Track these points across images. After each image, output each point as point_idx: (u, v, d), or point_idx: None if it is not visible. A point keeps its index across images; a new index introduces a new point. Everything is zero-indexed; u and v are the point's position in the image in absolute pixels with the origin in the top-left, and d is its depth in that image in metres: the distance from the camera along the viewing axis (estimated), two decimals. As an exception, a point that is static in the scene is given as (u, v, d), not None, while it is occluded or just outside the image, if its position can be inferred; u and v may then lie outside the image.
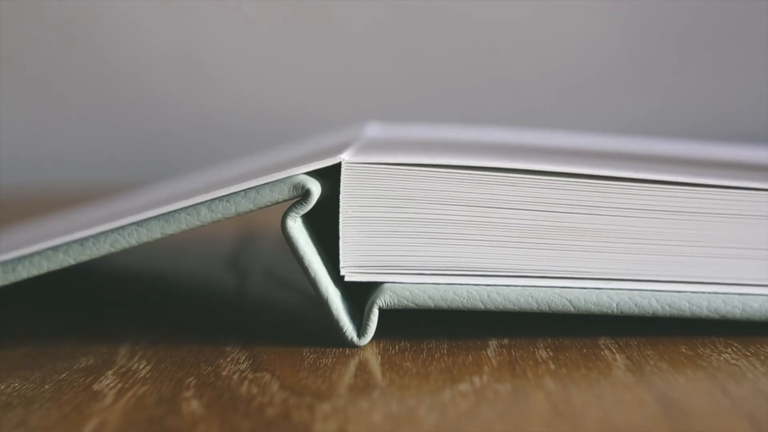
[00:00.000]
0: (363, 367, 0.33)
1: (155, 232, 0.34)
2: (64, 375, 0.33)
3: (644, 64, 0.95)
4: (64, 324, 0.41)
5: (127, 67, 0.96)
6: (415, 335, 0.36)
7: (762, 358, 0.33)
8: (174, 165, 0.91)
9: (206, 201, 0.34)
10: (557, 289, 0.34)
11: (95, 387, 0.32)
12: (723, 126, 0.93)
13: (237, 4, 0.96)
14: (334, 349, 0.35)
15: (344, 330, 0.34)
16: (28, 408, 0.30)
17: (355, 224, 0.34)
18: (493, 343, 0.35)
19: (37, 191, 0.86)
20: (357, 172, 0.34)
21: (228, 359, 0.34)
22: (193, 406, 0.30)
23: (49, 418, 0.30)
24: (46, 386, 0.32)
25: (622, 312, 0.34)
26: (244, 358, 0.34)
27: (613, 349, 0.34)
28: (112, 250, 0.34)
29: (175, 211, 0.34)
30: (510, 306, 0.34)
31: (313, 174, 0.34)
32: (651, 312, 0.34)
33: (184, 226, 0.34)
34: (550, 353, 0.34)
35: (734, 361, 0.33)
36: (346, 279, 0.35)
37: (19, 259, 0.35)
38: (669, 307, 0.34)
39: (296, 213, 0.34)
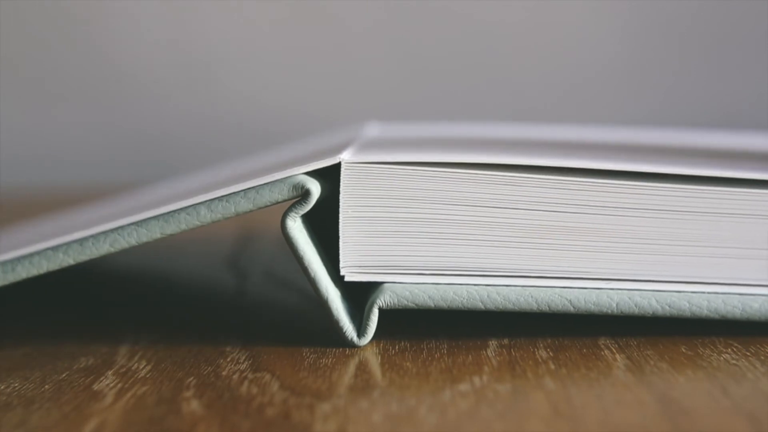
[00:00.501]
0: (363, 367, 0.33)
1: (155, 232, 0.34)
2: (64, 375, 0.33)
3: (644, 63, 0.95)
4: (64, 324, 0.41)
5: (127, 66, 0.96)
6: (415, 335, 0.36)
7: (762, 358, 0.33)
8: (174, 165, 0.91)
9: (206, 201, 0.34)
10: (557, 289, 0.34)
11: (95, 387, 0.32)
12: (723, 126, 0.93)
13: (237, 4, 0.96)
14: (334, 349, 0.35)
15: (344, 330, 0.34)
16: (28, 408, 0.30)
17: (355, 224, 0.34)
18: (493, 343, 0.35)
19: (37, 191, 0.86)
20: (357, 172, 0.34)
21: (228, 359, 0.34)
22: (193, 406, 0.30)
23: (49, 418, 0.30)
24: (46, 386, 0.32)
25: (621, 312, 0.34)
26: (244, 358, 0.34)
27: (613, 349, 0.34)
28: (112, 250, 0.34)
29: (174, 211, 0.34)
30: (510, 306, 0.34)
31: (312, 174, 0.34)
32: (651, 312, 0.34)
33: (183, 226, 0.34)
34: (550, 353, 0.34)
35: (734, 361, 0.33)
36: (346, 279, 0.35)
37: (19, 259, 0.35)
38: (669, 307, 0.34)
39: (296, 213, 0.34)
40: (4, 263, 0.35)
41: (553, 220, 0.35)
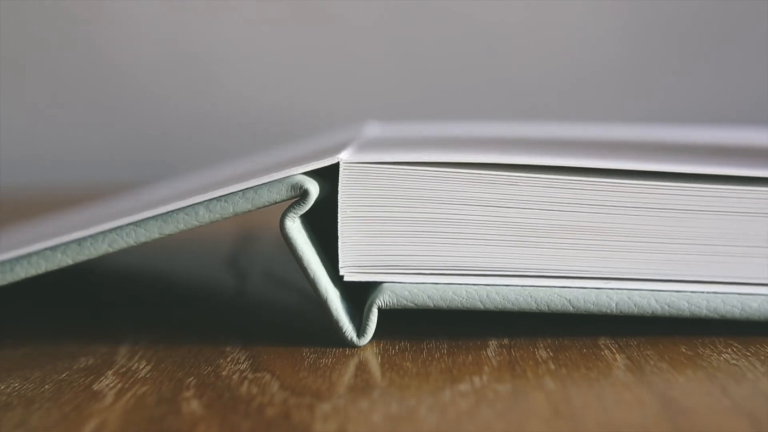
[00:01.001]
0: (363, 367, 0.33)
1: (153, 232, 0.34)
2: (64, 375, 0.33)
3: (644, 63, 0.95)
4: (64, 324, 0.41)
5: (127, 67, 0.96)
6: (415, 335, 0.36)
7: (762, 358, 0.33)
8: (174, 165, 0.91)
9: (204, 201, 0.34)
10: (556, 289, 0.34)
11: (95, 387, 0.32)
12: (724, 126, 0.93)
13: (237, 4, 0.96)
14: (334, 349, 0.35)
15: (344, 330, 0.34)
16: (28, 408, 0.30)
17: (354, 224, 0.34)
18: (493, 343, 0.35)
19: (37, 191, 0.86)
20: (355, 172, 0.34)
21: (228, 359, 0.34)
22: (193, 406, 0.30)
23: (49, 418, 0.30)
24: (46, 386, 0.32)
25: (621, 312, 0.34)
26: (244, 358, 0.34)
27: (613, 349, 0.34)
28: (110, 250, 0.34)
29: (173, 211, 0.34)
30: (509, 306, 0.34)
31: (311, 174, 0.34)
32: (650, 312, 0.34)
33: (182, 226, 0.34)
34: (550, 353, 0.34)
35: (734, 361, 0.33)
36: (346, 279, 0.35)
37: (18, 259, 0.35)
38: (668, 306, 0.34)
39: (295, 213, 0.34)
40: (3, 263, 0.35)
41: (552, 219, 0.35)
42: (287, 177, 0.34)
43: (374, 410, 0.29)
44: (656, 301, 0.34)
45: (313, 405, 0.30)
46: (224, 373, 0.33)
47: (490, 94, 0.95)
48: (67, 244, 0.34)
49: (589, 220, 0.35)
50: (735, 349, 0.34)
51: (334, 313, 0.34)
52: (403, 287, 0.34)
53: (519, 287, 0.34)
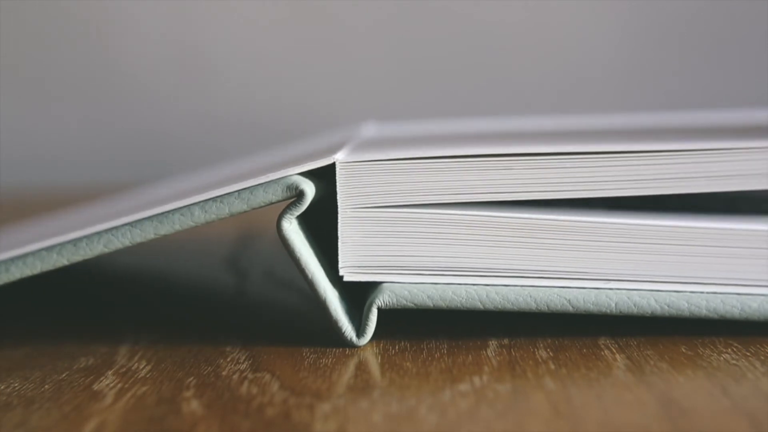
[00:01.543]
0: (363, 367, 0.33)
1: (149, 233, 0.34)
2: (64, 375, 0.33)
3: (644, 63, 0.95)
4: (64, 324, 0.41)
5: (127, 67, 0.96)
6: (415, 335, 0.36)
7: (762, 358, 0.33)
8: (174, 165, 0.91)
9: (200, 202, 0.34)
10: (556, 289, 0.34)
11: (95, 387, 0.32)
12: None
13: (237, 3, 0.96)
14: (334, 349, 0.35)
15: (343, 330, 0.34)
16: (28, 408, 0.30)
17: (354, 224, 0.34)
18: (493, 343, 0.35)
19: (37, 191, 0.86)
20: (351, 171, 0.34)
21: (228, 359, 0.34)
22: (193, 406, 0.30)
23: (49, 418, 0.30)
24: (46, 386, 0.32)
25: (620, 312, 0.34)
26: (244, 358, 0.34)
27: (613, 349, 0.34)
28: (106, 250, 0.34)
29: (168, 211, 0.34)
30: (509, 306, 0.34)
31: (308, 175, 0.34)
32: (650, 312, 0.34)
33: (177, 227, 0.34)
34: (550, 353, 0.34)
35: (734, 361, 0.33)
36: (345, 279, 0.35)
37: (13, 260, 0.35)
38: (668, 307, 0.34)
39: (291, 215, 0.34)
40: None
41: (553, 219, 0.35)
42: (283, 178, 0.34)
43: (374, 410, 0.29)
44: (656, 301, 0.34)
45: (313, 405, 0.30)
46: (224, 373, 0.33)
47: (490, 94, 0.95)
48: (62, 244, 0.34)
49: (589, 220, 0.35)
50: (735, 349, 0.34)
51: (333, 313, 0.34)
52: (403, 287, 0.34)
53: (519, 287, 0.34)
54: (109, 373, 0.33)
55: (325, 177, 0.35)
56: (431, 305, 0.34)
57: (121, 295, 0.48)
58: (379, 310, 0.34)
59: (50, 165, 0.95)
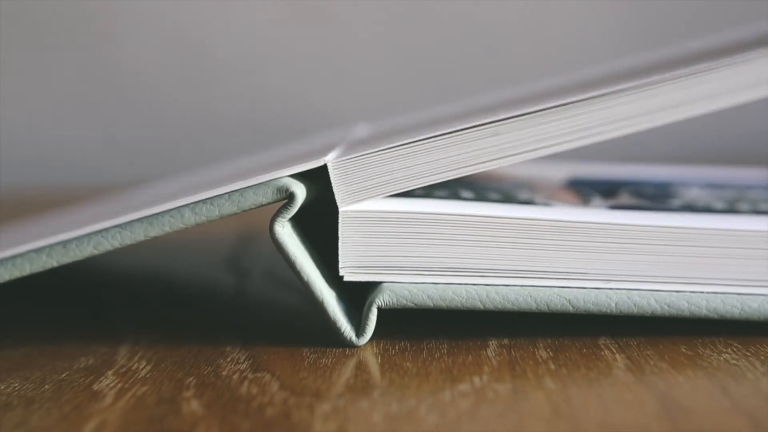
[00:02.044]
0: (363, 367, 0.33)
1: (139, 235, 0.34)
2: (64, 375, 0.33)
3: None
4: (64, 324, 0.41)
5: (128, 66, 0.96)
6: (415, 335, 0.36)
7: (762, 358, 0.33)
8: (174, 165, 0.91)
9: (190, 203, 0.34)
10: (556, 289, 0.34)
11: (95, 387, 0.32)
12: (723, 126, 0.93)
13: (239, 3, 0.96)
14: (333, 349, 0.35)
15: (342, 330, 0.34)
16: (28, 408, 0.30)
17: (354, 224, 0.34)
18: (493, 343, 0.35)
19: (37, 191, 0.86)
20: (344, 169, 0.34)
21: (228, 359, 0.34)
22: (193, 406, 0.30)
23: (49, 418, 0.30)
24: (46, 386, 0.32)
25: (620, 312, 0.34)
26: (244, 358, 0.34)
27: (613, 349, 0.34)
28: (95, 252, 0.34)
29: (158, 213, 0.34)
30: (509, 306, 0.34)
31: (300, 177, 0.34)
32: (650, 312, 0.34)
33: (167, 229, 0.34)
34: (550, 353, 0.34)
35: (734, 361, 0.33)
36: (345, 279, 0.35)
37: (2, 261, 0.34)
38: (668, 306, 0.34)
39: (283, 218, 0.34)
40: None
41: (553, 219, 0.35)
42: (273, 180, 0.34)
43: (374, 410, 0.29)
44: (656, 301, 0.34)
45: (313, 405, 0.30)
46: (224, 373, 0.33)
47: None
48: (52, 246, 0.34)
49: (589, 219, 0.35)
50: (735, 349, 0.34)
51: (331, 314, 0.34)
52: (403, 287, 0.34)
53: (519, 287, 0.34)
54: (109, 373, 0.33)
55: (318, 178, 0.35)
56: (431, 305, 0.34)
57: (121, 295, 0.48)
58: (379, 309, 0.34)
59: (50, 165, 0.95)
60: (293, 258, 0.34)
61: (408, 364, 0.33)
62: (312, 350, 0.35)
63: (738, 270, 0.35)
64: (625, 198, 0.44)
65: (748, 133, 0.92)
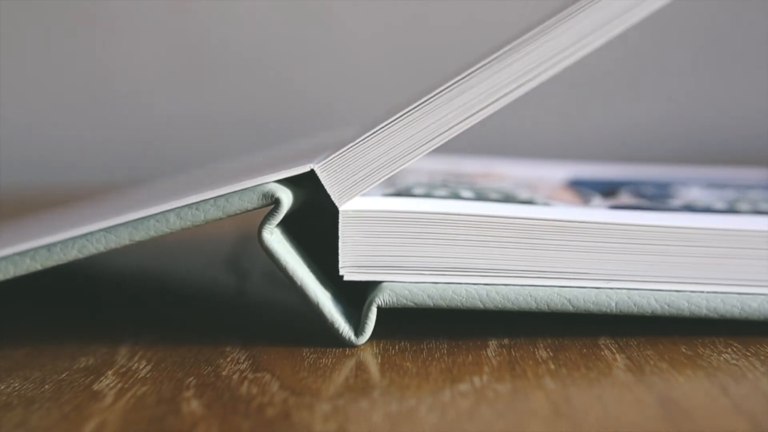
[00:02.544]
0: (363, 367, 0.33)
1: (124, 239, 0.34)
2: (64, 375, 0.33)
3: (645, 64, 0.95)
4: (64, 324, 0.41)
5: (128, 66, 0.96)
6: (415, 335, 0.36)
7: (762, 358, 0.33)
8: (173, 165, 0.91)
9: (175, 208, 0.34)
10: (556, 289, 0.34)
11: (95, 387, 0.32)
12: (723, 126, 0.93)
13: (238, 3, 0.95)
14: (334, 349, 0.35)
15: (341, 331, 0.34)
16: (28, 408, 0.30)
17: (354, 224, 0.34)
18: (493, 343, 0.35)
19: (37, 191, 0.86)
20: (331, 171, 0.34)
21: (228, 359, 0.34)
22: (193, 406, 0.30)
23: (49, 418, 0.30)
24: (46, 386, 0.32)
25: (620, 311, 0.34)
26: (244, 358, 0.34)
27: (613, 349, 0.34)
28: (80, 256, 0.34)
29: (144, 218, 0.34)
30: (509, 305, 0.34)
31: (287, 181, 0.34)
32: (650, 311, 0.34)
33: (152, 233, 0.34)
34: (550, 353, 0.34)
35: (734, 361, 0.33)
36: (345, 278, 0.35)
37: None
38: (668, 306, 0.34)
39: (270, 224, 0.34)
40: None
41: (552, 218, 0.35)
42: (258, 185, 0.34)
43: (374, 410, 0.29)
44: (656, 300, 0.34)
45: (313, 405, 0.30)
46: (224, 373, 0.33)
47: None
48: (36, 249, 0.34)
49: (588, 219, 0.35)
50: (735, 349, 0.34)
51: (328, 315, 0.34)
52: (403, 286, 0.34)
53: (519, 287, 0.34)
54: (109, 373, 0.33)
55: (308, 181, 0.35)
56: (431, 304, 0.34)
57: (121, 295, 0.48)
58: (379, 309, 0.34)
59: (50, 165, 0.95)
60: (284, 263, 0.34)
61: (408, 364, 0.33)
62: (312, 350, 0.35)
63: (738, 270, 0.35)
64: (625, 198, 0.44)
65: (748, 133, 0.92)
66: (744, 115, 0.94)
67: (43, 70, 0.96)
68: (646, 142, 0.94)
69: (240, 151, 0.77)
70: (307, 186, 0.35)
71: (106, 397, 0.31)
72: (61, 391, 0.32)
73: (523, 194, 0.42)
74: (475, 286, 0.34)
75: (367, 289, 0.35)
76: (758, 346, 0.34)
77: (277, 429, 0.28)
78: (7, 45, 0.95)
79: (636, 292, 0.34)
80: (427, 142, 0.34)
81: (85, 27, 0.95)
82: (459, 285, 0.34)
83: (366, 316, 0.34)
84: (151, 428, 0.29)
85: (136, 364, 0.34)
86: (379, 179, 0.34)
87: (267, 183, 0.34)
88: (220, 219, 0.34)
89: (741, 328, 0.35)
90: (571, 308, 0.34)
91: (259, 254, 0.56)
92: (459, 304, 0.34)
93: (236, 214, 0.34)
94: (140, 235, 0.34)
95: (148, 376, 0.33)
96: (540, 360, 0.33)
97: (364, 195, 0.37)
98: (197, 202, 0.34)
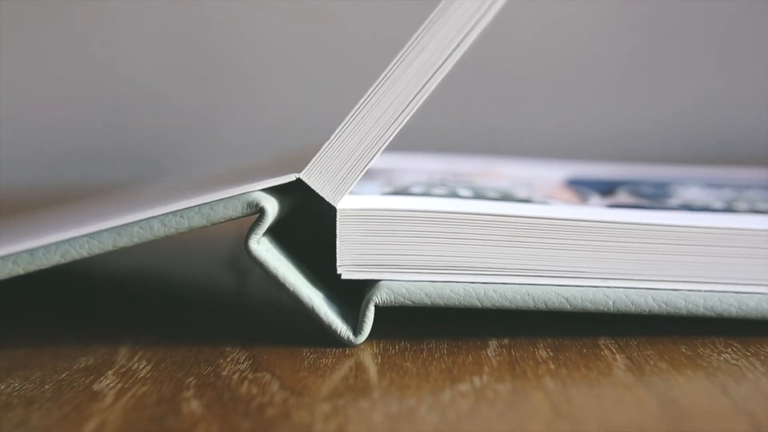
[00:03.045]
0: (363, 367, 0.33)
1: (107, 245, 0.34)
2: (64, 375, 0.33)
3: (645, 65, 0.95)
4: (64, 324, 0.41)
5: (128, 66, 0.96)
6: (415, 335, 0.36)
7: (762, 358, 0.33)
8: (173, 165, 0.91)
9: (159, 215, 0.34)
10: (554, 287, 0.34)
11: (95, 387, 0.32)
12: (722, 126, 0.93)
13: (237, 3, 0.95)
14: (333, 349, 0.35)
15: (338, 331, 0.34)
16: (28, 408, 0.30)
17: (352, 223, 0.34)
18: (493, 343, 0.35)
19: (37, 191, 0.86)
20: (317, 173, 0.34)
21: (228, 359, 0.34)
22: (193, 406, 0.30)
23: (49, 418, 0.30)
24: (46, 386, 0.32)
25: (618, 310, 0.34)
26: (244, 358, 0.34)
27: (613, 349, 0.34)
28: (62, 260, 0.34)
29: (127, 224, 0.34)
30: (507, 304, 0.34)
31: (275, 189, 0.34)
32: (647, 310, 0.34)
33: (136, 240, 0.34)
34: (550, 353, 0.34)
35: (734, 361, 0.33)
36: (343, 277, 0.35)
37: None
38: (665, 305, 0.34)
39: (256, 234, 0.34)
40: None
41: (550, 218, 0.35)
42: (243, 194, 0.34)
43: (374, 410, 0.29)
44: (653, 299, 0.34)
45: (313, 405, 0.30)
46: (224, 373, 0.33)
47: (491, 94, 0.95)
48: (18, 254, 0.34)
49: (587, 218, 0.35)
50: (735, 349, 0.34)
51: (324, 317, 0.34)
52: (401, 285, 0.34)
53: (517, 285, 0.34)
54: (109, 373, 0.33)
55: (294, 189, 0.35)
56: (429, 303, 0.34)
57: (121, 295, 0.48)
58: (378, 308, 0.34)
59: (50, 165, 0.95)
60: (274, 271, 0.34)
61: (408, 364, 0.33)
62: (312, 350, 0.35)
63: (736, 269, 0.35)
64: (623, 197, 0.44)
65: (747, 134, 0.92)
66: (743, 116, 0.94)
67: (43, 70, 0.96)
68: (645, 142, 0.94)
69: (241, 151, 0.77)
70: (293, 194, 0.35)
71: (106, 397, 0.31)
72: (61, 391, 0.32)
73: (522, 193, 0.42)
74: (473, 285, 0.34)
75: (365, 288, 0.35)
76: (758, 346, 0.34)
77: (277, 429, 0.28)
78: (7, 45, 0.95)
79: (634, 290, 0.34)
80: (403, 112, 0.34)
81: (85, 27, 0.95)
82: (457, 284, 0.34)
83: (364, 315, 0.34)
84: (151, 428, 0.29)
85: (136, 364, 0.34)
86: (365, 167, 0.34)
87: (252, 192, 0.34)
88: (204, 227, 0.34)
89: (741, 328, 0.35)
90: (569, 307, 0.34)
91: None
92: (457, 302, 0.34)
93: (220, 222, 0.34)
94: (123, 241, 0.34)
95: (148, 376, 0.33)
96: (540, 360, 0.33)
97: (363, 194, 0.37)
98: (181, 210, 0.34)
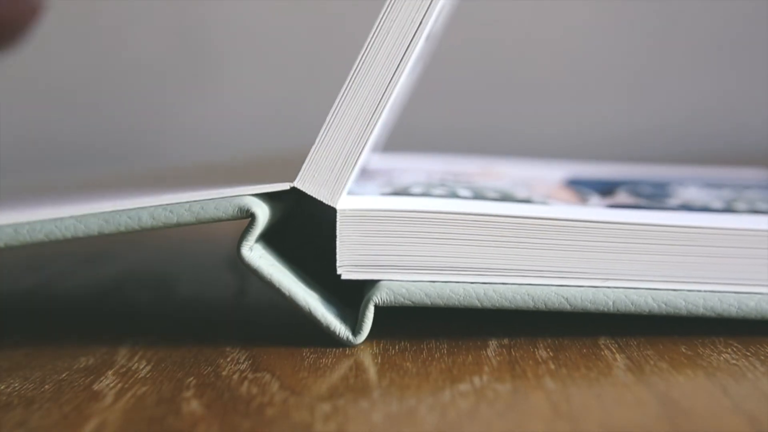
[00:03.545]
0: (363, 367, 0.33)
1: (93, 230, 0.33)
2: (64, 375, 0.33)
3: (646, 65, 0.95)
4: (64, 324, 0.41)
5: (128, 66, 0.96)
6: (415, 335, 0.36)
7: (762, 358, 0.33)
8: (172, 165, 0.91)
9: (149, 207, 0.33)
10: (554, 288, 0.34)
11: (95, 387, 0.32)
12: (722, 126, 0.93)
13: (238, 3, 0.96)
14: (333, 349, 0.35)
15: (337, 332, 0.34)
16: (28, 408, 0.30)
17: (352, 223, 0.34)
18: (493, 343, 0.35)
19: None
20: (310, 176, 0.34)
21: (228, 359, 0.34)
22: (193, 406, 0.30)
23: (49, 418, 0.30)
24: (46, 386, 0.32)
25: (618, 310, 0.34)
26: (244, 358, 0.34)
27: (613, 349, 0.34)
28: (46, 240, 0.33)
29: (116, 211, 0.34)
30: (506, 304, 0.34)
31: (267, 194, 0.34)
32: (647, 310, 0.34)
33: (122, 229, 0.33)
34: (550, 353, 0.34)
35: (734, 361, 0.33)
36: (343, 277, 0.35)
37: None
38: (665, 305, 0.34)
39: (248, 241, 0.33)
40: None
41: (550, 218, 0.35)
42: (235, 197, 0.33)
43: (374, 410, 0.29)
44: (653, 299, 0.34)
45: (313, 405, 0.30)
46: (224, 373, 0.33)
47: (491, 95, 0.95)
48: (1, 227, 0.34)
49: (587, 218, 0.35)
50: (735, 349, 0.34)
51: (322, 319, 0.34)
52: (401, 285, 0.34)
53: (516, 285, 0.34)
54: (109, 373, 0.33)
55: (287, 194, 0.35)
56: (429, 303, 0.34)
57: (121, 295, 0.48)
58: (378, 308, 0.34)
59: (50, 165, 0.95)
60: (269, 278, 0.34)
61: (408, 364, 0.33)
62: (312, 350, 0.35)
63: (735, 269, 0.35)
64: (622, 197, 0.44)
65: (746, 134, 0.92)
66: (742, 116, 0.94)
67: (43, 70, 0.96)
68: (644, 142, 0.94)
69: (240, 150, 0.77)
70: (286, 199, 0.35)
71: (106, 397, 0.31)
72: (61, 391, 0.32)
73: (521, 193, 0.42)
74: (473, 285, 0.34)
75: (365, 289, 0.35)
76: (758, 346, 0.34)
77: (276, 429, 0.28)
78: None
79: (633, 291, 0.34)
80: (373, 114, 0.34)
81: (85, 26, 0.95)
82: (456, 284, 0.34)
83: (363, 315, 0.34)
84: (151, 428, 0.29)
85: (136, 364, 0.34)
86: (354, 164, 0.34)
87: (244, 196, 0.34)
88: (193, 224, 0.34)
89: (741, 328, 0.35)
90: (568, 307, 0.34)
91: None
92: (456, 302, 0.34)
93: (210, 222, 0.34)
94: (110, 228, 0.33)
95: (148, 376, 0.33)
96: (540, 360, 0.33)
97: (362, 195, 0.37)
98: (171, 204, 0.33)
